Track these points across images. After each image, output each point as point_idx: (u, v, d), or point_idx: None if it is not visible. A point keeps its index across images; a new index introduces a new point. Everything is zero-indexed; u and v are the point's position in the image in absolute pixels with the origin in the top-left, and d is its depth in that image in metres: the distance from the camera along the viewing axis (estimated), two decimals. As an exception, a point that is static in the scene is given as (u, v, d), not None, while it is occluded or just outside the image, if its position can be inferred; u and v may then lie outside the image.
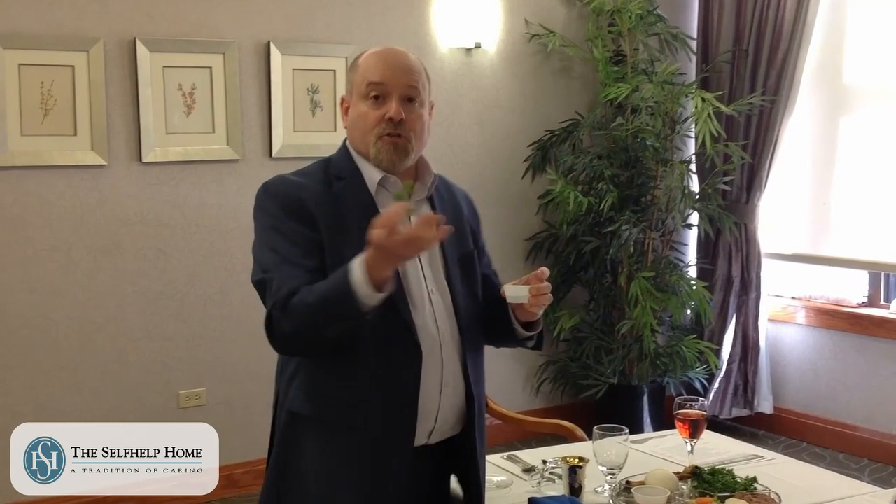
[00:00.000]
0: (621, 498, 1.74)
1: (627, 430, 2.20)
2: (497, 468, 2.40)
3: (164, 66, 4.01)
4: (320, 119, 4.36)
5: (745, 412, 5.02)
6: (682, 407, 2.29)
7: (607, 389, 4.75)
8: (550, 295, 2.00)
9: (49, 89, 3.80)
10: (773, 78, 4.77)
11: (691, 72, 5.12)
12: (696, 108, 4.57)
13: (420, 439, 2.00)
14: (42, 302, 3.91)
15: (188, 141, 4.11)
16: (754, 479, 1.83)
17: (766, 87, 4.79)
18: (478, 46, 4.70)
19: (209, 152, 4.16)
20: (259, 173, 4.20)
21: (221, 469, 4.17)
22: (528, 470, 2.37)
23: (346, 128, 2.08)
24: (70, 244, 3.94)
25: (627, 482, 1.82)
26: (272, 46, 4.21)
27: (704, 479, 1.83)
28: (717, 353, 4.92)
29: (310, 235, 1.93)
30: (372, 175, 2.01)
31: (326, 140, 4.31)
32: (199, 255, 4.19)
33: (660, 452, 2.45)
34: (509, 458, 2.47)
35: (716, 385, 4.97)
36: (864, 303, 4.84)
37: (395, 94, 1.99)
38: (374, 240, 1.72)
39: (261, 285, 1.93)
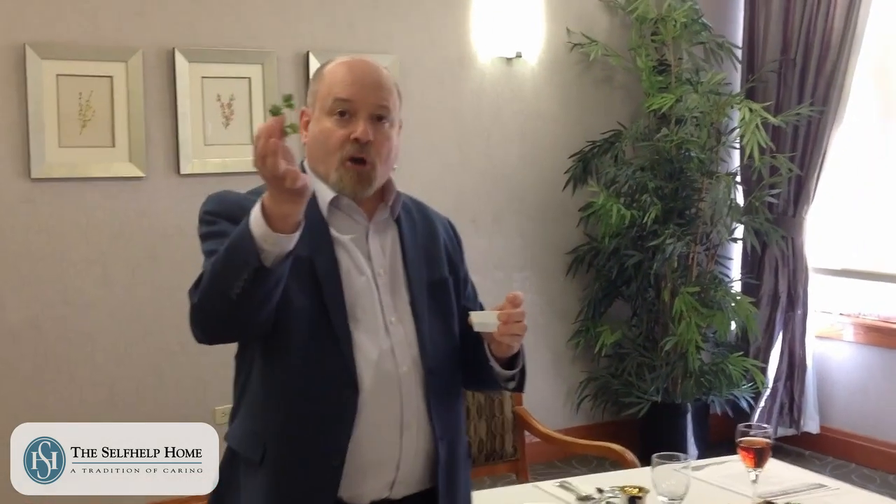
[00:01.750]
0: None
1: (688, 457, 2.11)
2: (549, 496, 2.31)
3: (203, 77, 3.97)
4: (359, 130, 4.29)
5: (790, 431, 4.89)
6: (744, 434, 2.19)
7: (650, 407, 4.64)
8: (524, 324, 1.77)
9: (87, 100, 3.76)
10: (822, 88, 4.66)
11: (736, 82, 5.02)
12: (743, 118, 4.45)
13: (380, 493, 1.78)
14: (78, 315, 3.87)
15: (226, 153, 4.06)
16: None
17: (815, 98, 4.67)
18: (518, 56, 4.63)
19: (248, 164, 4.03)
20: (297, 185, 4.14)
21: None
22: (584, 499, 2.27)
23: (303, 143, 1.87)
24: (107, 257, 3.90)
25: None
26: (311, 56, 4.15)
27: (780, 517, 1.74)
28: (764, 370, 4.80)
29: None
30: (324, 194, 1.82)
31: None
32: (236, 268, 4.13)
33: (719, 481, 2.35)
34: (562, 486, 2.37)
35: (762, 404, 4.84)
36: (916, 320, 4.70)
37: (364, 112, 1.80)
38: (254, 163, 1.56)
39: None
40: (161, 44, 3.90)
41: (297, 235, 1.62)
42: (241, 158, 4.08)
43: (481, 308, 1.99)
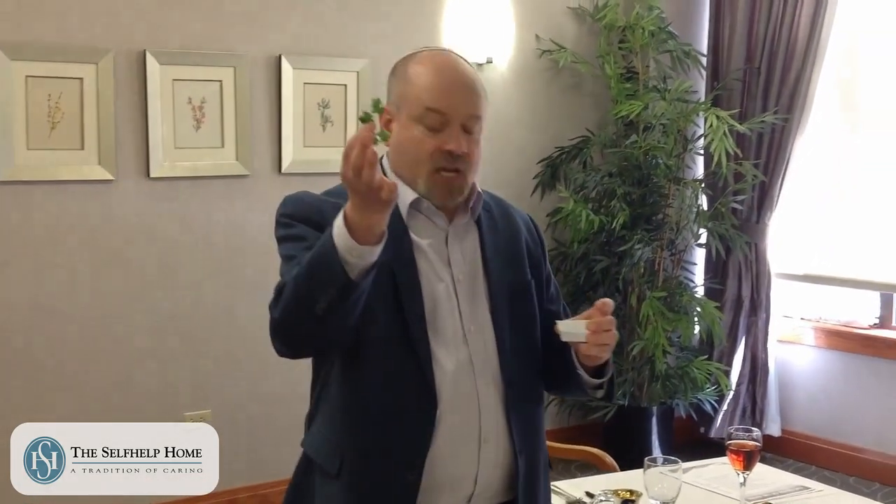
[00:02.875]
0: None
1: (679, 462, 2.14)
2: (540, 500, 2.32)
3: (174, 79, 3.92)
4: (331, 134, 4.27)
5: (753, 434, 4.96)
6: (734, 437, 2.22)
7: (616, 411, 4.69)
8: (616, 332, 1.74)
9: (57, 102, 3.69)
10: (786, 96, 4.74)
11: (702, 89, 5.09)
12: (710, 126, 4.52)
13: None
14: (46, 320, 3.79)
15: (197, 156, 4.01)
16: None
17: (779, 106, 4.76)
18: (489, 62, 4.64)
19: (218, 167, 4.07)
20: (268, 189, 4.12)
21: (225, 493, 4.11)
22: (575, 503, 2.29)
23: (387, 146, 1.79)
24: (75, 261, 3.83)
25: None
26: (283, 60, 4.13)
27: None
28: (727, 374, 4.87)
29: None
30: (405, 196, 1.75)
31: (337, 156, 4.22)
32: (206, 273, 4.09)
33: (706, 484, 2.38)
34: (552, 491, 2.38)
35: (725, 407, 4.91)
36: (875, 324, 4.80)
37: (456, 122, 1.73)
38: (342, 177, 1.51)
39: (281, 276, 1.70)
40: (132, 46, 3.85)
41: (381, 246, 1.56)
42: (212, 161, 4.05)
43: (565, 308, 1.95)
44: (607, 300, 1.75)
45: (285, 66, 4.13)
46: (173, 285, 4.02)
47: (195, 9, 3.98)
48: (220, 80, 4.02)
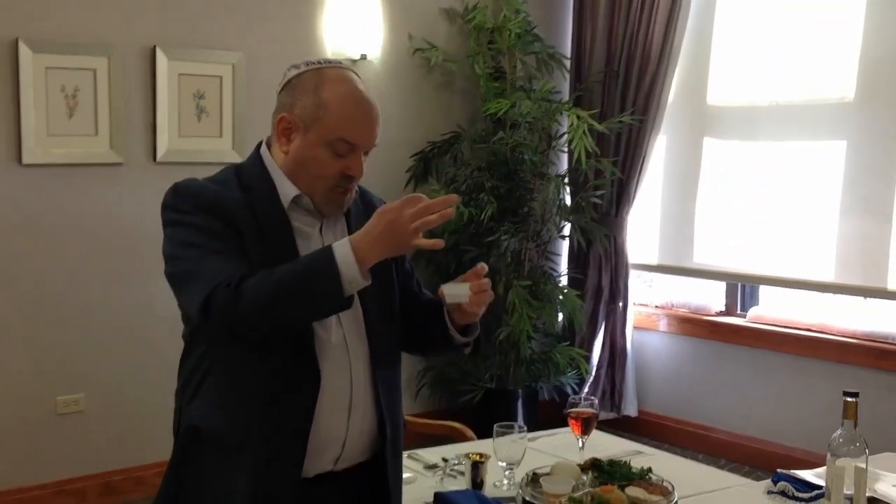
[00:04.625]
0: (529, 488, 1.86)
1: (524, 427, 2.34)
2: (399, 467, 2.49)
3: (48, 67, 3.94)
4: (206, 125, 4.35)
5: (612, 415, 5.25)
6: (574, 406, 2.44)
7: (483, 394, 4.91)
8: (492, 292, 1.94)
9: (-75, 86, 3.68)
10: (642, 98, 5.05)
11: (566, 90, 5.36)
12: (571, 125, 4.78)
13: (324, 466, 1.92)
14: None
15: (70, 143, 4.04)
16: (649, 470, 1.99)
17: (636, 107, 5.06)
18: (363, 58, 4.79)
19: (92, 155, 4.10)
20: (143, 177, 4.18)
21: (99, 476, 4.15)
22: (431, 467, 2.47)
23: (283, 152, 1.92)
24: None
25: (535, 473, 1.94)
26: (158, 51, 4.19)
27: (604, 470, 1.98)
28: (588, 359, 5.16)
29: (232, 235, 1.83)
30: (286, 190, 1.91)
31: (212, 146, 4.35)
32: (79, 260, 4.12)
33: (552, 449, 2.59)
34: (410, 457, 2.55)
35: (585, 389, 5.19)
36: (721, 312, 5.16)
37: (361, 150, 1.90)
38: (389, 212, 1.73)
39: (181, 277, 1.82)
40: (3, 34, 3.85)
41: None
42: (84, 150, 4.08)
43: (418, 283, 2.14)
44: (482, 264, 1.95)
45: (160, 56, 4.19)
46: (46, 272, 4.04)
47: (69, -3, 4.01)
48: (94, 69, 4.05)
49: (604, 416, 5.23)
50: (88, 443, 4.16)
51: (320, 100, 1.88)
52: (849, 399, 2.02)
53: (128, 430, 4.19)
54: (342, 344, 1.91)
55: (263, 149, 1.97)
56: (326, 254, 1.75)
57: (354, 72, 1.97)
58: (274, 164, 1.94)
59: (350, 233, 1.95)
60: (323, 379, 1.86)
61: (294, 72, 1.94)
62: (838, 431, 2.04)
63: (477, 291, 1.90)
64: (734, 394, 5.00)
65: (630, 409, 5.28)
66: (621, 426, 5.28)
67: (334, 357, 1.89)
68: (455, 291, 1.90)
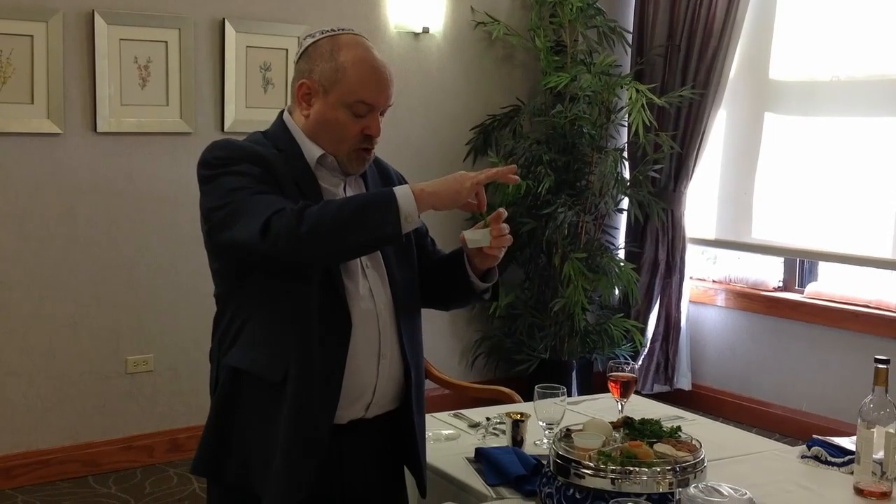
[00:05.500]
0: (562, 443, 1.95)
1: (565, 390, 2.42)
2: (444, 424, 2.60)
3: (121, 39, 4.11)
4: (272, 96, 4.49)
5: (665, 388, 5.30)
6: (614, 370, 2.51)
7: (538, 364, 4.99)
8: (510, 236, 2.02)
9: (8, 58, 3.87)
10: (703, 72, 5.05)
11: (627, 64, 5.38)
12: (630, 98, 4.81)
13: (356, 413, 2.02)
14: (-6, 266, 3.99)
15: (142, 113, 4.21)
16: (678, 428, 2.05)
17: (696, 81, 5.06)
18: (426, 31, 4.88)
19: (163, 125, 4.27)
20: (211, 147, 4.32)
21: (166, 433, 4.33)
22: (474, 425, 2.57)
23: (304, 116, 2.03)
24: (24, 211, 4.02)
25: (567, 429, 2.02)
26: (227, 23, 4.33)
27: (635, 428, 2.05)
28: (643, 331, 5.20)
29: (273, 183, 1.93)
30: (311, 151, 2.02)
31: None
32: (150, 225, 4.29)
33: (592, 412, 2.67)
34: (455, 416, 2.67)
35: (639, 362, 5.24)
36: (779, 287, 5.16)
37: (378, 111, 2.02)
38: (457, 173, 1.88)
39: (231, 217, 1.89)
40: (81, 5, 4.02)
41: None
42: (155, 119, 4.24)
43: (433, 241, 2.27)
44: (502, 209, 2.02)
45: (228, 29, 4.34)
46: (118, 237, 4.23)
47: (143, -28, 4.16)
48: (166, 42, 4.21)
49: (658, 388, 5.30)
50: (156, 401, 4.37)
51: (337, 63, 1.99)
52: (880, 366, 2.06)
53: (194, 390, 4.36)
54: (369, 294, 2.02)
55: (286, 115, 2.09)
56: (387, 189, 1.90)
57: (365, 37, 2.08)
58: (297, 127, 2.05)
59: (367, 190, 2.11)
60: (354, 326, 1.97)
61: (310, 40, 2.05)
62: (869, 397, 2.08)
63: (497, 235, 1.99)
64: (790, 370, 5.01)
65: (683, 382, 5.32)
66: (674, 399, 5.31)
67: (363, 307, 2.00)
68: (476, 237, 1.98)
